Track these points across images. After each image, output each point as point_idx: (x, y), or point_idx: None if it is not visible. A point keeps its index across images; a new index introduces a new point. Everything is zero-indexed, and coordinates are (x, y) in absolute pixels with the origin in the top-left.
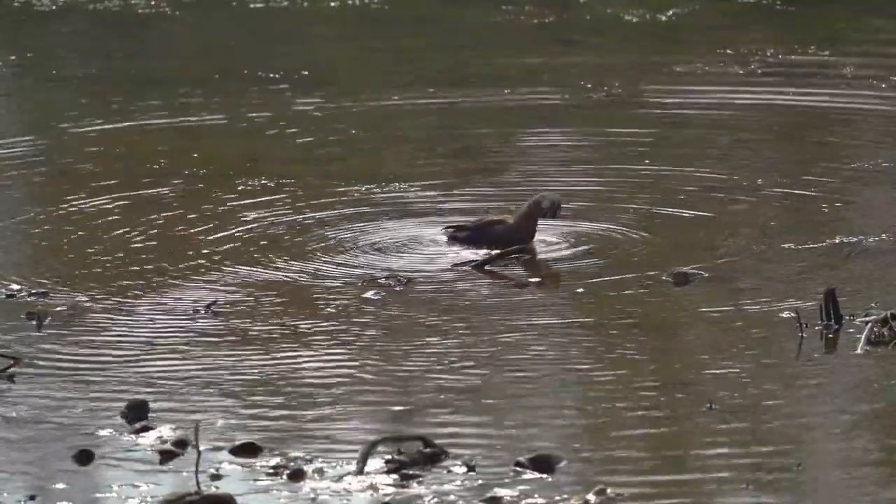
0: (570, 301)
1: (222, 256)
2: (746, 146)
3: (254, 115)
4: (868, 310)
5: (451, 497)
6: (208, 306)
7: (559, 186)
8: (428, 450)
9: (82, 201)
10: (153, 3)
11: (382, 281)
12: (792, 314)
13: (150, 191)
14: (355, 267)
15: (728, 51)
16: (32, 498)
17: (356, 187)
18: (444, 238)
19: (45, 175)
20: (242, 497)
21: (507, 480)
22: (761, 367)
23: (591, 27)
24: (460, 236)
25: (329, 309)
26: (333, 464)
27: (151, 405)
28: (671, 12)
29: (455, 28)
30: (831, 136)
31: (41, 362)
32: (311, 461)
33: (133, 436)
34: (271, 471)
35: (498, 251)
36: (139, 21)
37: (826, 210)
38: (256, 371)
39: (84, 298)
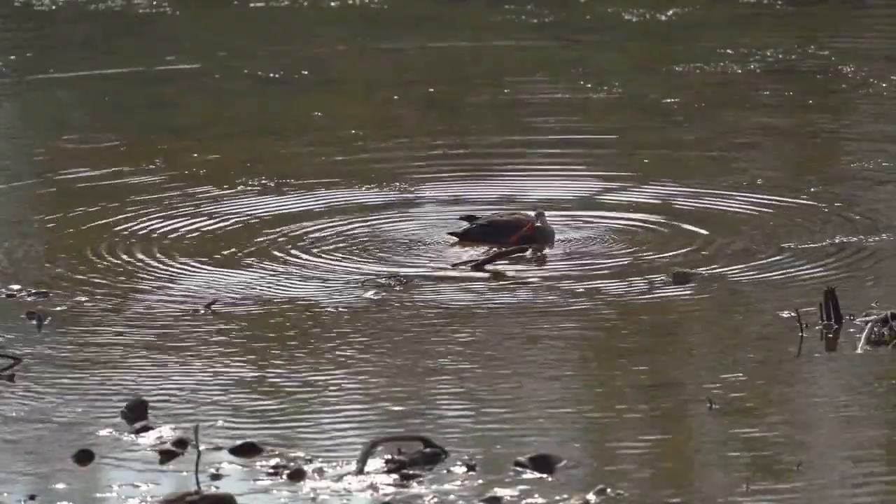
0: (570, 301)
1: (222, 256)
2: (746, 146)
3: (254, 114)
4: (868, 310)
5: (451, 497)
6: (208, 306)
7: (559, 187)
8: (428, 450)
9: (82, 202)
10: (154, 2)
11: (382, 281)
12: (792, 314)
13: (149, 191)
14: (356, 267)
15: (728, 51)
16: (32, 498)
17: (356, 186)
18: (459, 225)
19: (44, 175)
20: (242, 497)
21: (507, 480)
22: (761, 367)
23: (591, 27)
24: (475, 228)
25: (329, 309)
26: (333, 464)
27: (151, 405)
28: (671, 12)
29: (455, 28)
30: (832, 137)
31: (41, 362)
32: (311, 461)
33: (133, 436)
34: (271, 471)
35: (497, 251)
36: (140, 20)
37: (826, 210)
38: (256, 371)
39: (84, 298)
